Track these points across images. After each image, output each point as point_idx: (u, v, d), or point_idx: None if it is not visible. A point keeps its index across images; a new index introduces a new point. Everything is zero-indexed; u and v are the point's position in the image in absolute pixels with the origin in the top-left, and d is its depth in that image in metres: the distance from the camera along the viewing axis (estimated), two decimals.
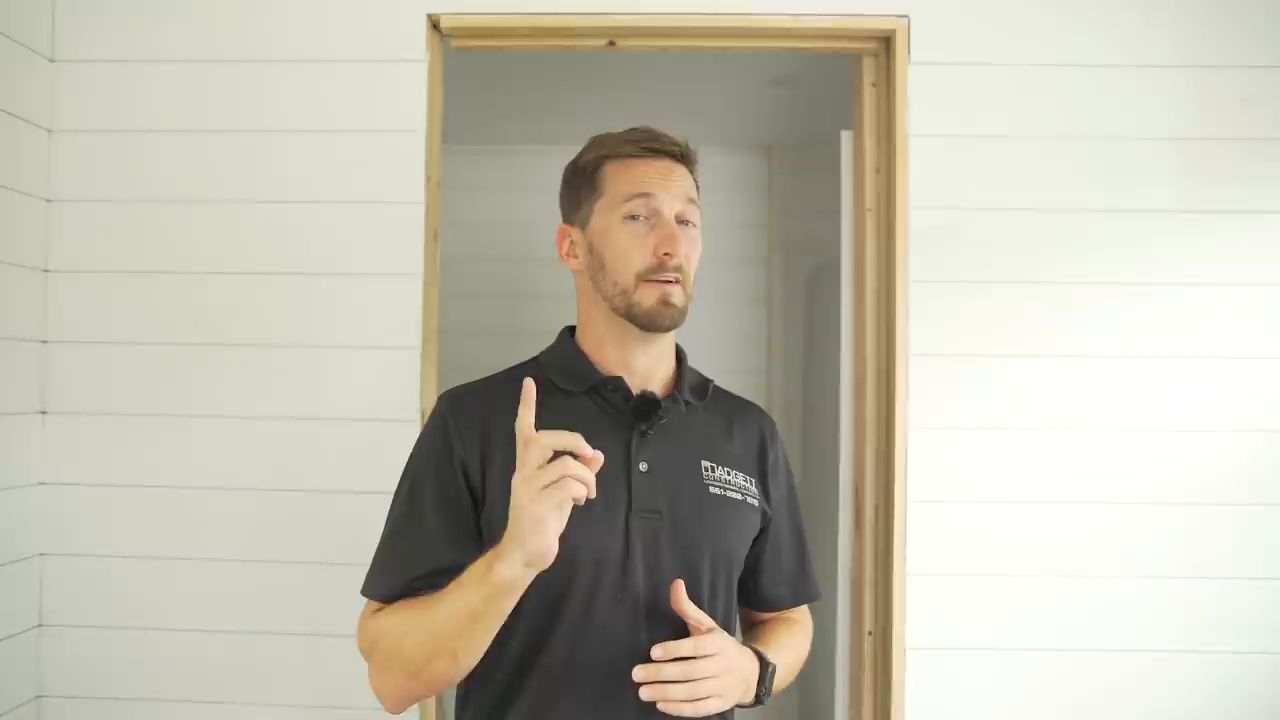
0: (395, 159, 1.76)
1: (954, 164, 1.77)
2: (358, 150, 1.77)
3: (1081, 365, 1.76)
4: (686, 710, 1.06)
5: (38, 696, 1.76)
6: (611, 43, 1.81)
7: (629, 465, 1.18)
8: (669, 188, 1.20)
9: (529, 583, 1.03)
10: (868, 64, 1.87)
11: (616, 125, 1.31)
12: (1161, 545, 1.75)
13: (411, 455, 1.25)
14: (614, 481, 1.16)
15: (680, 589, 1.10)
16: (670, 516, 1.17)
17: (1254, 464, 1.75)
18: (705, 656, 1.07)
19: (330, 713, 1.75)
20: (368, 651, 1.20)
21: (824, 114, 2.67)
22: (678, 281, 1.18)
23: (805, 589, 1.36)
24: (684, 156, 1.24)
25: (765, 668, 1.17)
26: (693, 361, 1.34)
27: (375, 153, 1.77)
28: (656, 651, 1.06)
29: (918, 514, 1.76)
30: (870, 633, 1.84)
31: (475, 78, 2.42)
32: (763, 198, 3.15)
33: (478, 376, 1.31)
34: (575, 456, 0.99)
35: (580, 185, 1.26)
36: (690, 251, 1.21)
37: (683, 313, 1.20)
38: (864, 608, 1.85)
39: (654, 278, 1.17)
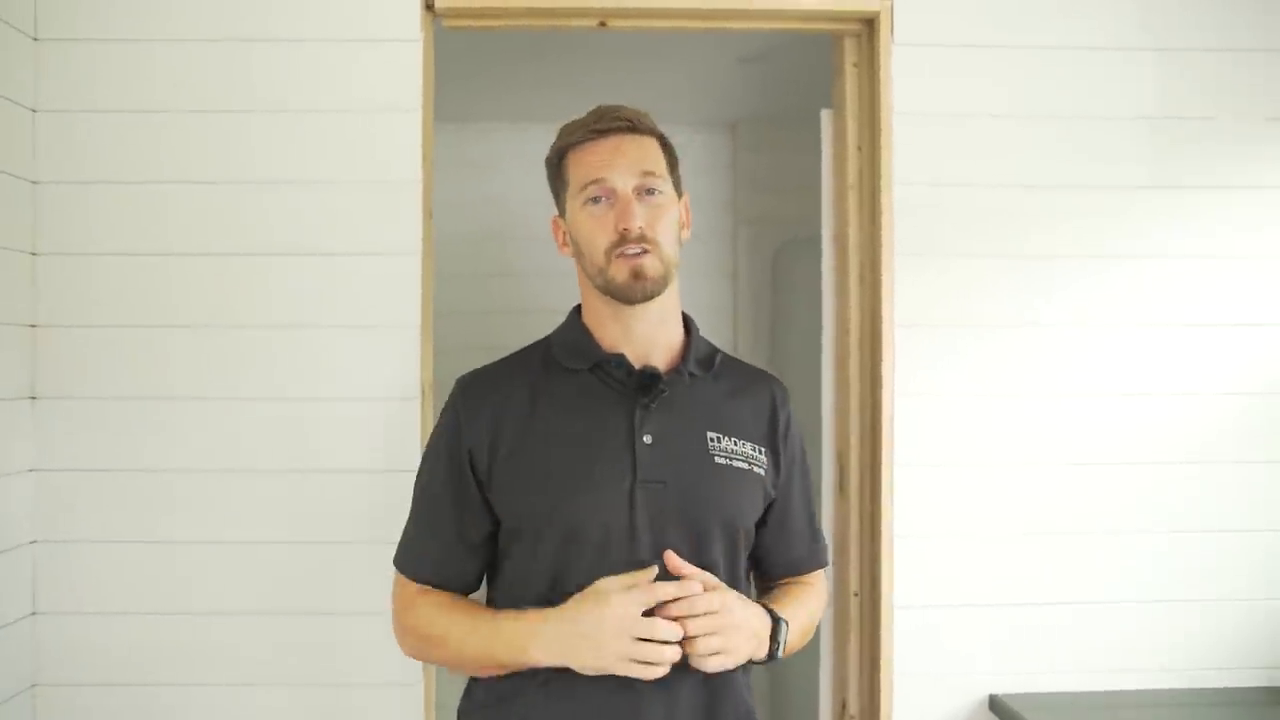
0: (390, 138, 1.77)
1: (935, 142, 1.84)
2: (352, 130, 1.77)
3: (1059, 334, 1.85)
4: (710, 665, 1.13)
5: (33, 685, 1.74)
6: (602, 23, 1.84)
7: (633, 438, 1.22)
8: (618, 165, 1.23)
9: None
10: (849, 44, 1.92)
11: (589, 104, 1.34)
12: (1139, 503, 1.85)
13: (432, 435, 1.32)
14: (619, 454, 1.21)
15: (673, 558, 1.15)
16: (676, 487, 1.21)
17: (1226, 425, 1.87)
18: (703, 614, 1.12)
19: (332, 690, 1.76)
20: (399, 619, 1.28)
21: (790, 92, 2.73)
22: (647, 252, 1.22)
23: (818, 553, 1.42)
24: (634, 128, 1.27)
25: (778, 624, 1.22)
26: None
27: (370, 132, 1.77)
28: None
29: (903, 477, 1.84)
30: (856, 594, 1.92)
31: (457, 56, 2.42)
32: (728, 174, 3.20)
33: (469, 354, 1.35)
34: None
35: (554, 177, 1.32)
36: (655, 219, 1.24)
37: (659, 281, 1.24)
38: (849, 570, 1.93)
39: (621, 252, 1.22)
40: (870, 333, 1.89)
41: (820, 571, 1.44)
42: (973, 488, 1.84)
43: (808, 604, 1.36)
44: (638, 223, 1.21)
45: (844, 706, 1.95)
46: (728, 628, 1.13)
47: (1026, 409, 1.85)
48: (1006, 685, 1.83)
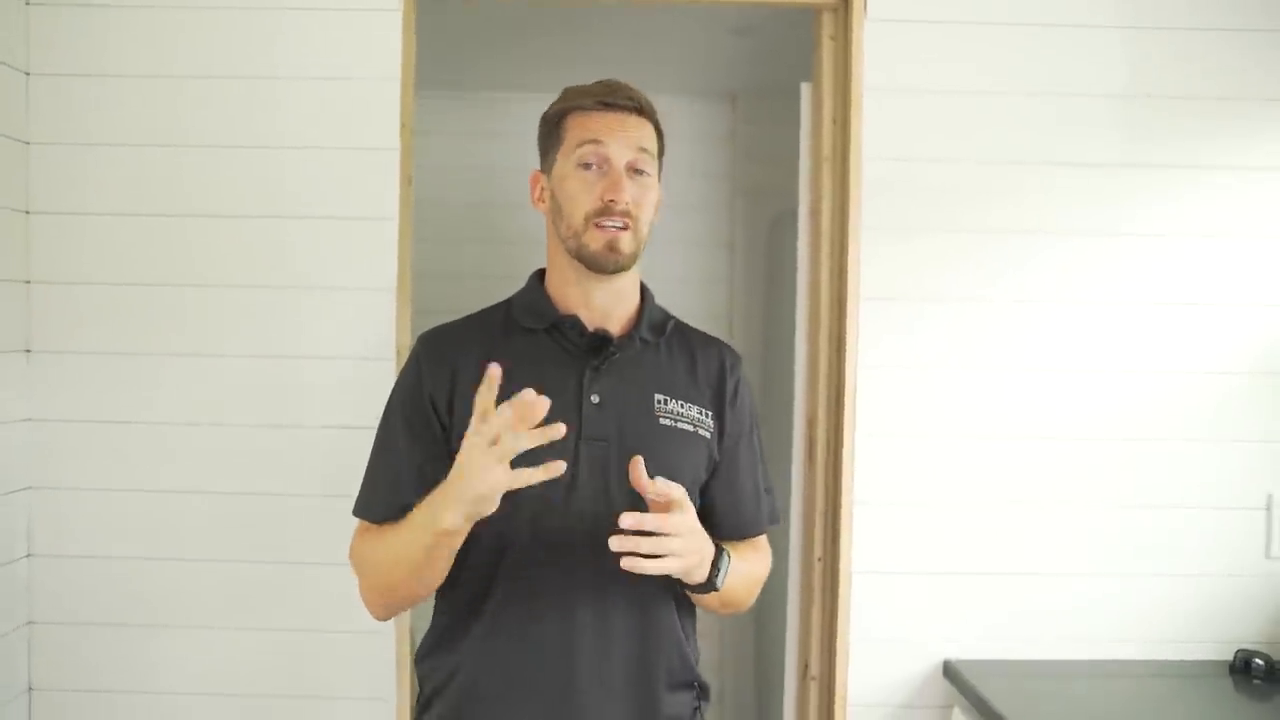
0: (371, 106, 1.82)
1: (907, 116, 1.86)
2: (334, 97, 1.82)
3: (1023, 309, 1.88)
4: (648, 567, 1.12)
5: (29, 622, 1.84)
6: None
7: (580, 397, 1.27)
8: (619, 136, 1.27)
9: (468, 529, 1.14)
10: (826, 18, 1.94)
11: (582, 74, 1.38)
12: (1096, 476, 1.89)
13: (392, 390, 1.37)
14: (566, 412, 1.23)
15: (639, 464, 1.13)
16: (618, 445, 1.26)
17: (1186, 402, 1.89)
18: (670, 534, 1.13)
19: (312, 635, 1.85)
20: (355, 568, 1.32)
21: (785, 64, 2.72)
22: (626, 228, 1.26)
23: (760, 515, 1.43)
24: (640, 110, 1.31)
25: (720, 553, 1.24)
26: (659, 302, 1.42)
27: (351, 100, 1.82)
28: (626, 520, 1.11)
29: (865, 447, 1.88)
30: (820, 559, 1.97)
31: (445, 24, 2.45)
32: (726, 145, 3.21)
33: (449, 318, 1.40)
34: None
35: (547, 134, 1.35)
36: (640, 198, 1.28)
37: (630, 258, 1.28)
38: (814, 536, 1.98)
39: (601, 222, 1.25)
40: (838, 305, 1.92)
41: (764, 539, 1.46)
42: (934, 458, 1.88)
43: (748, 559, 1.38)
44: (626, 196, 1.25)
45: (806, 669, 2.01)
46: (686, 535, 1.15)
47: (989, 382, 1.88)
48: (961, 651, 1.88)
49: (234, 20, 1.82)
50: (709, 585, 1.23)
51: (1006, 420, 1.88)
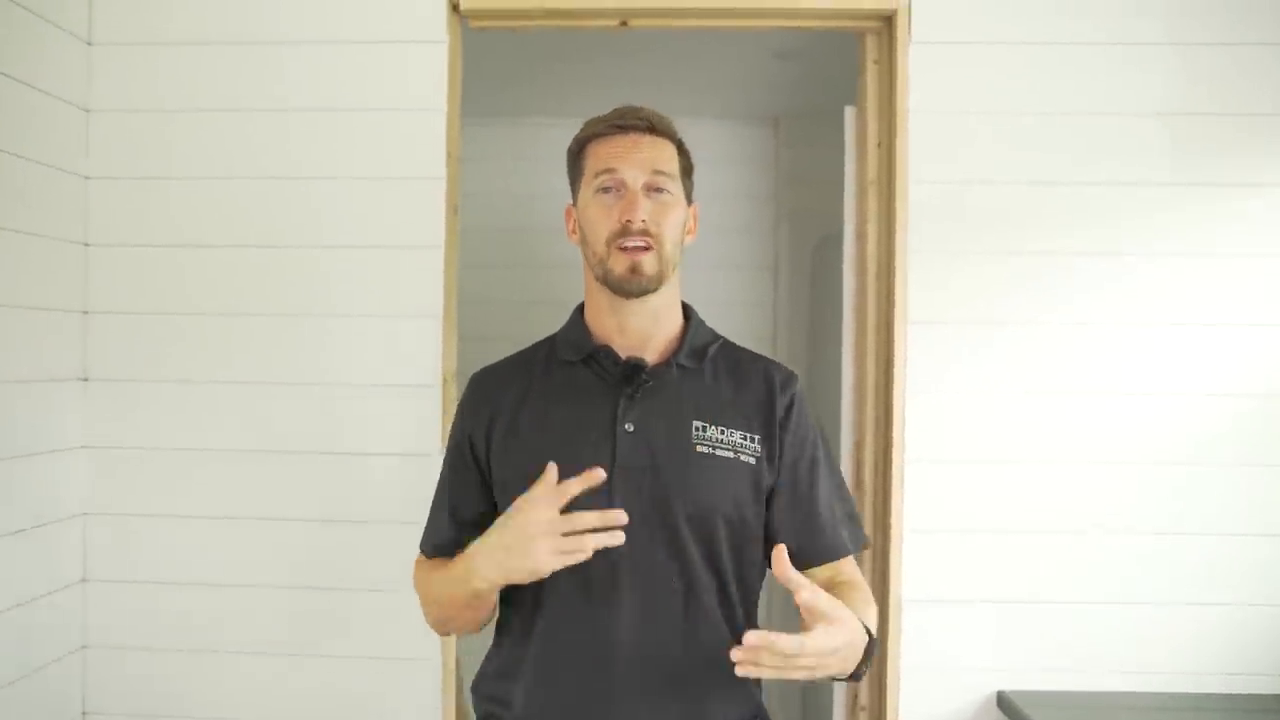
0: (417, 136, 1.85)
1: (952, 139, 1.84)
2: (381, 128, 1.85)
3: (1073, 332, 1.84)
4: (765, 675, 1.07)
5: (84, 647, 1.87)
6: (624, 23, 1.88)
7: (614, 426, 1.26)
8: (632, 160, 1.27)
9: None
10: (870, 42, 1.93)
11: (624, 100, 1.38)
12: (1152, 503, 1.84)
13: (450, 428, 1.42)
14: (600, 441, 1.25)
15: (783, 554, 1.08)
16: (653, 473, 1.25)
17: (1241, 427, 1.84)
18: (823, 631, 1.06)
19: (361, 662, 1.86)
20: (415, 586, 1.37)
21: (830, 87, 2.72)
22: (649, 248, 1.25)
23: (839, 540, 1.34)
24: (653, 129, 1.31)
25: (872, 643, 1.18)
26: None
27: (398, 131, 1.85)
28: (750, 639, 1.03)
29: (914, 473, 1.85)
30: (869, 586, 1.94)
31: (488, 51, 2.48)
32: (770, 169, 3.21)
33: (488, 343, 1.42)
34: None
35: (571, 165, 1.36)
36: (661, 216, 1.27)
37: (656, 279, 1.27)
38: (864, 564, 1.94)
39: (623, 244, 1.25)
40: (885, 329, 1.90)
41: (852, 562, 1.37)
42: (984, 485, 1.84)
43: (867, 607, 1.29)
44: (641, 215, 1.25)
45: (855, 699, 1.97)
46: (824, 659, 1.07)
47: (1040, 406, 1.84)
48: (1014, 683, 1.83)
49: (285, 55, 1.86)
50: (853, 678, 1.17)
51: (1058, 445, 1.84)
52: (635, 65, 2.64)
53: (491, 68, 2.63)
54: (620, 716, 1.23)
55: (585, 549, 1.12)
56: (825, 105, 2.80)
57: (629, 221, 1.25)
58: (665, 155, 1.31)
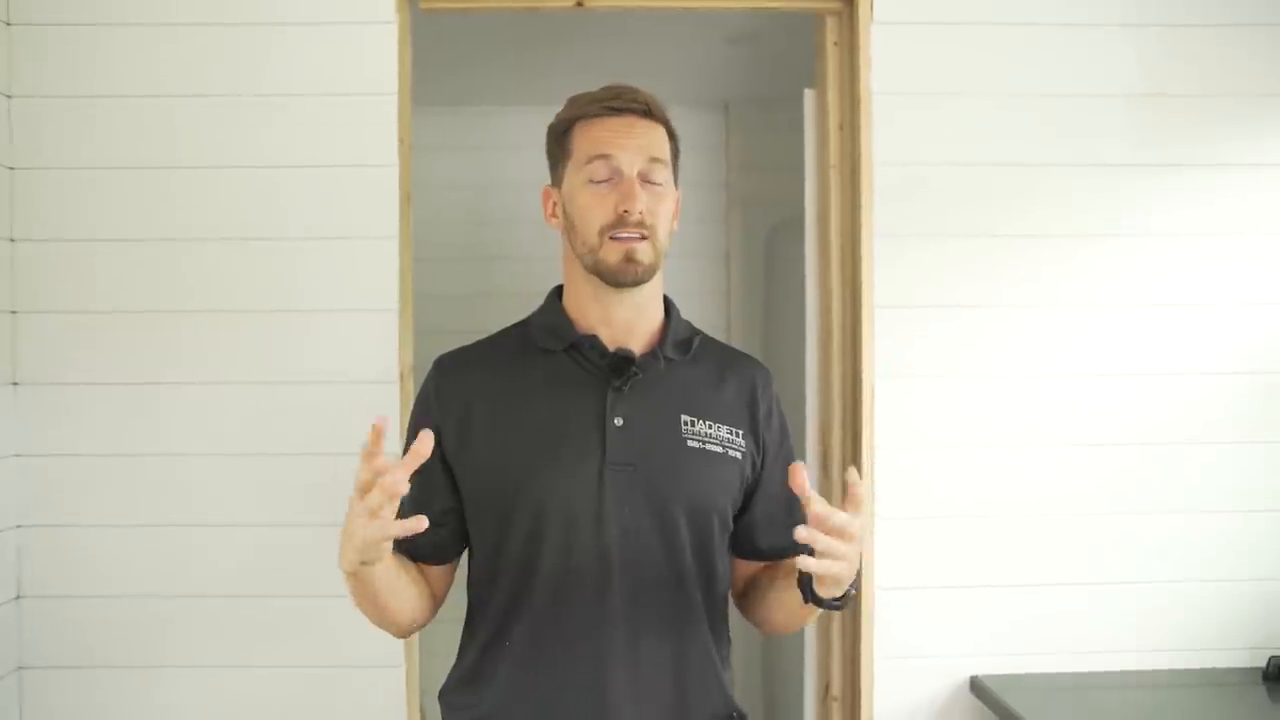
0: (367, 122, 1.77)
1: (916, 120, 1.82)
2: (330, 114, 1.77)
3: (1039, 314, 1.85)
4: (825, 568, 1.04)
5: (19, 667, 1.77)
6: (579, 3, 1.83)
7: (604, 420, 1.22)
8: (628, 146, 1.22)
9: (375, 568, 1.11)
10: (830, 23, 1.91)
11: (578, 84, 1.33)
12: (1119, 485, 1.85)
13: (411, 414, 1.34)
14: (588, 436, 1.21)
15: (800, 471, 1.05)
16: (644, 469, 1.21)
17: (1209, 407, 1.86)
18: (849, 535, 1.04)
19: (320, 670, 1.79)
20: None
21: (781, 72, 2.71)
22: (644, 238, 1.21)
23: None
24: (649, 112, 1.26)
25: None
26: None
27: (347, 116, 1.77)
28: (819, 506, 1.03)
29: (883, 459, 1.83)
30: None
31: (440, 38, 2.42)
32: (720, 156, 3.19)
33: (448, 337, 1.36)
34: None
35: (555, 146, 1.29)
36: (655, 206, 1.23)
37: (650, 269, 1.23)
38: None
39: (617, 234, 1.20)
40: (851, 314, 1.88)
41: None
42: (953, 470, 1.84)
43: None
44: (640, 206, 1.21)
45: (827, 689, 1.96)
46: (854, 553, 1.06)
47: (1008, 391, 1.84)
48: (988, 666, 1.83)
49: (223, 37, 1.77)
50: (844, 598, 1.13)
51: (1027, 428, 1.84)
52: (586, 51, 2.59)
53: (444, 55, 2.56)
54: (610, 711, 1.19)
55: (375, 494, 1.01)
56: (777, 89, 2.79)
57: (626, 212, 1.20)
58: (659, 141, 1.26)
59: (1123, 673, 1.83)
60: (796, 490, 1.04)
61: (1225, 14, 1.83)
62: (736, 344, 3.07)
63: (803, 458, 2.02)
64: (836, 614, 1.90)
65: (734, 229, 3.19)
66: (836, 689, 1.93)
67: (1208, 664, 1.84)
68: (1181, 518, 1.85)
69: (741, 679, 3.12)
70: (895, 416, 1.83)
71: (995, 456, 1.84)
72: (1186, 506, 1.85)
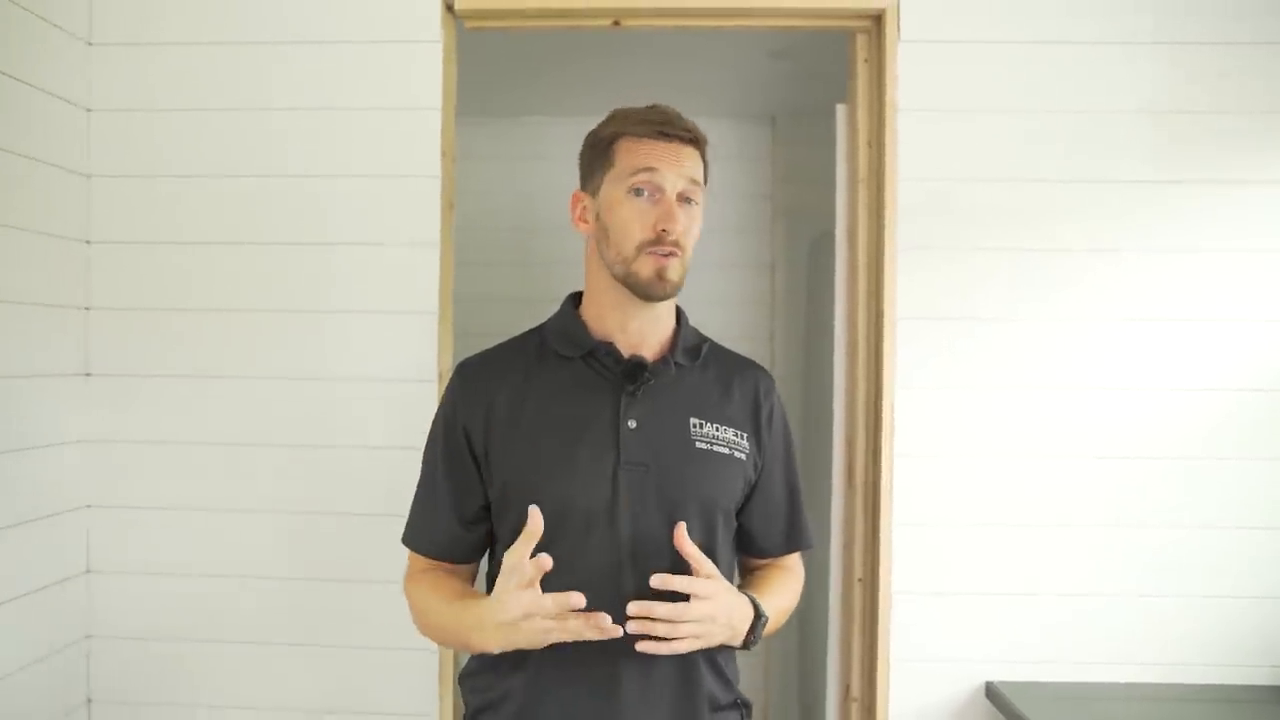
0: (413, 135, 1.87)
1: (941, 137, 1.86)
2: (378, 127, 1.87)
3: (1059, 328, 1.86)
4: (661, 649, 1.18)
5: (88, 636, 1.91)
6: (616, 22, 1.90)
7: (618, 423, 1.29)
8: (674, 167, 1.28)
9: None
10: (860, 41, 1.95)
11: (622, 98, 1.39)
12: (1137, 497, 1.86)
13: (433, 419, 1.40)
14: (604, 438, 1.28)
15: (683, 530, 1.20)
16: (657, 470, 1.28)
17: (1229, 421, 1.86)
18: (697, 598, 1.18)
19: (358, 652, 1.89)
20: (405, 587, 1.38)
21: (824, 85, 2.74)
22: (675, 255, 1.28)
23: (796, 537, 1.45)
24: (694, 140, 1.32)
25: (758, 618, 1.27)
26: (699, 327, 1.44)
27: (394, 129, 1.87)
28: (655, 581, 1.17)
29: (903, 468, 1.87)
30: (860, 579, 1.96)
31: (484, 51, 2.51)
32: (766, 167, 3.23)
33: (488, 339, 1.43)
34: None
35: (596, 155, 1.34)
36: (690, 226, 1.30)
37: (677, 285, 1.30)
38: (854, 557, 1.97)
39: (653, 250, 1.26)
40: (875, 325, 1.92)
41: (798, 555, 1.49)
42: (972, 479, 1.87)
43: (785, 593, 1.41)
44: (679, 226, 1.27)
45: (848, 690, 2.00)
46: (707, 617, 1.19)
47: (1028, 401, 1.86)
48: (1003, 673, 1.86)
49: (282, 55, 1.88)
50: (744, 647, 1.28)
51: (1047, 439, 1.86)
52: (631, 64, 2.66)
53: (488, 68, 2.65)
54: (624, 707, 1.26)
55: (565, 631, 1.16)
56: (821, 103, 2.82)
57: (665, 231, 1.26)
58: (697, 165, 1.32)
59: (1140, 685, 1.83)
60: (677, 545, 1.21)
61: (1242, 31, 1.83)
62: (779, 353, 3.17)
63: (829, 464, 2.06)
64: (857, 616, 1.95)
65: (778, 239, 3.23)
66: (856, 691, 1.97)
67: (1226, 680, 1.84)
68: (1204, 532, 1.85)
69: (780, 680, 3.18)
70: (915, 425, 1.87)
71: (1014, 466, 1.86)
72: (1209, 521, 1.85)
